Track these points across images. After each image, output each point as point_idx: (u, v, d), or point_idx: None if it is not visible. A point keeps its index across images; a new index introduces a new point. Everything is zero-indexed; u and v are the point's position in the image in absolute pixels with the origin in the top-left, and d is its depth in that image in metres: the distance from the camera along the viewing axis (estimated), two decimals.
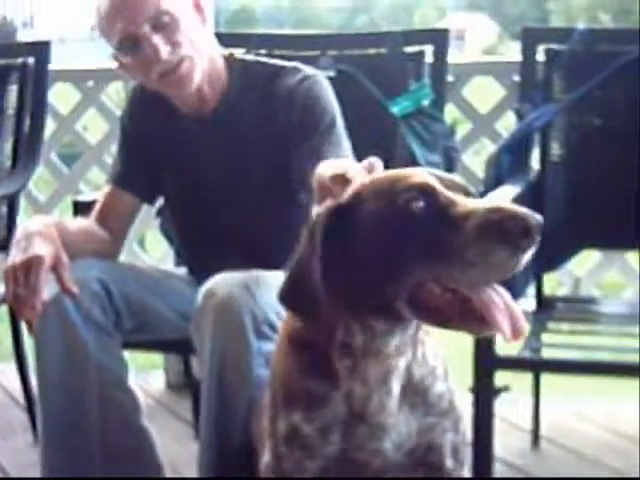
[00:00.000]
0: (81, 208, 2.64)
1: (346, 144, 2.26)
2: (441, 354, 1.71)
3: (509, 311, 1.46)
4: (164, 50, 2.18)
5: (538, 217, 1.38)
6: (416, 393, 1.65)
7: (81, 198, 2.87)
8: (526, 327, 1.48)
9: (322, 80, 2.33)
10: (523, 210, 1.39)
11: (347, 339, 1.59)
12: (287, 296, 1.58)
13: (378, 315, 1.55)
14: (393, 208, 1.47)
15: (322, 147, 2.20)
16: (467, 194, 1.52)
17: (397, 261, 1.46)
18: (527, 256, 1.40)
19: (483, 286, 1.45)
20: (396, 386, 1.62)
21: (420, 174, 1.51)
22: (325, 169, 1.67)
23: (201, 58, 2.25)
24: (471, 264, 1.40)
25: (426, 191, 1.47)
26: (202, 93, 2.30)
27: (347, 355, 1.60)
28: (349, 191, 1.56)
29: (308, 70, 2.35)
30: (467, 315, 1.46)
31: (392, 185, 1.50)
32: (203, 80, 2.27)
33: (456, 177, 1.56)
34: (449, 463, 1.70)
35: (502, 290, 1.47)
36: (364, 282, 1.51)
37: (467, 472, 1.76)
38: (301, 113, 2.27)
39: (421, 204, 1.46)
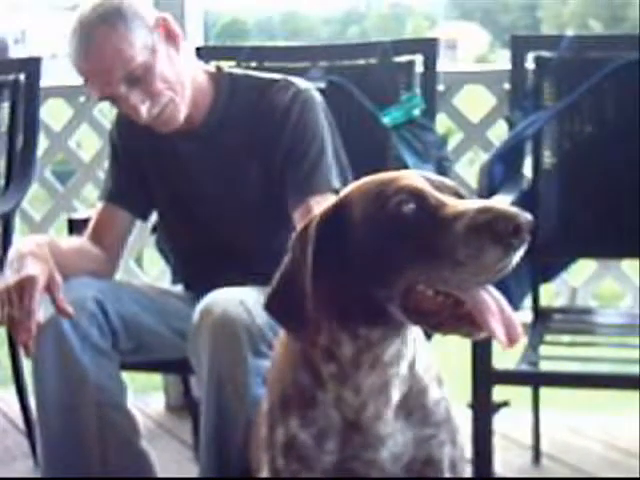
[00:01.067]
0: (76, 226, 2.63)
1: (335, 169, 2.26)
2: (435, 362, 1.70)
3: (503, 316, 1.45)
4: (144, 108, 2.18)
5: (528, 216, 1.38)
6: (415, 399, 1.64)
7: (75, 216, 2.85)
8: (521, 333, 1.47)
9: (314, 95, 2.32)
10: (512, 209, 1.38)
11: (332, 347, 1.58)
12: (272, 304, 1.57)
13: (371, 322, 1.54)
14: (383, 211, 1.47)
15: (310, 178, 2.22)
16: (458, 196, 1.52)
17: (389, 264, 1.46)
18: (518, 256, 1.39)
19: (475, 287, 1.44)
20: (396, 394, 1.61)
21: (409, 176, 1.51)
22: None
23: (183, 91, 2.24)
24: (462, 264, 1.40)
25: (416, 193, 1.46)
26: (188, 116, 2.28)
27: (332, 361, 1.59)
28: (338, 196, 1.57)
29: (300, 84, 2.33)
30: (460, 318, 1.46)
31: (381, 188, 1.50)
32: (188, 108, 2.27)
33: (446, 179, 1.56)
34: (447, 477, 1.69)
35: (496, 293, 1.47)
36: (356, 286, 1.51)
37: None
38: (292, 136, 2.26)
39: (411, 206, 1.45)
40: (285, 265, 1.56)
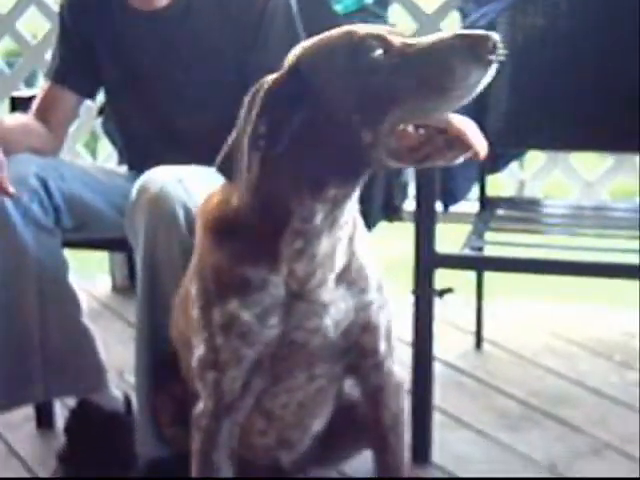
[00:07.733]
0: (19, 104, 2.57)
1: None
2: (376, 266, 1.74)
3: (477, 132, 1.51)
4: None
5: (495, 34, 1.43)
6: (353, 268, 1.67)
7: (18, 94, 2.80)
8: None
9: None
10: (480, 31, 1.43)
11: (304, 225, 1.58)
12: (222, 164, 1.57)
13: (344, 178, 1.55)
14: (355, 61, 1.49)
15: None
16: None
17: (372, 109, 1.48)
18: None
19: (451, 112, 1.49)
20: (340, 259, 1.64)
21: (363, 26, 1.54)
22: None
23: None
24: (449, 90, 1.43)
25: (379, 37, 1.49)
26: None
27: (299, 237, 1.59)
28: (287, 63, 1.57)
29: None
30: (445, 145, 1.49)
31: (345, 40, 1.52)
32: None
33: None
34: (383, 346, 1.74)
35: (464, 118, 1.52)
36: (336, 139, 1.52)
37: (395, 360, 1.80)
38: (260, 17, 2.25)
39: (380, 50, 1.48)
40: (236, 126, 1.56)
